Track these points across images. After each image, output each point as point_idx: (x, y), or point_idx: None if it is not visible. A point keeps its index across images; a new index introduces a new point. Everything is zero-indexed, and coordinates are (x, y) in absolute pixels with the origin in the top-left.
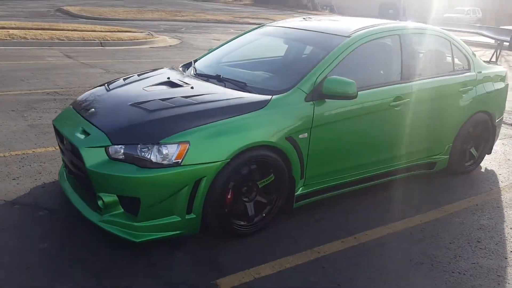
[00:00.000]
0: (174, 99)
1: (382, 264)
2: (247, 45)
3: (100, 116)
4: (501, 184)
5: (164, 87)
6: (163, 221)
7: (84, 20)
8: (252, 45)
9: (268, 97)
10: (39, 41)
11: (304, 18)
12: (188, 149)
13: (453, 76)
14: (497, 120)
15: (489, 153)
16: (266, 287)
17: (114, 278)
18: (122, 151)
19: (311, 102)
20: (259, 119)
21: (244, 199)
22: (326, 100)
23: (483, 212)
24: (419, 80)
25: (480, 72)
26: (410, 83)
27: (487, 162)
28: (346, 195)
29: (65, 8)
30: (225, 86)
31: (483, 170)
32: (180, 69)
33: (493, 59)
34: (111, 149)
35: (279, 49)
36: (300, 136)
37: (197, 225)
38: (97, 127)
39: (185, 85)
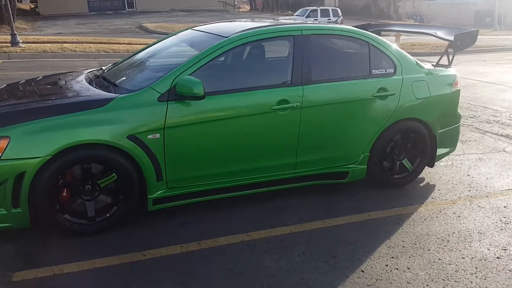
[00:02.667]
0: (29, 96)
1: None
2: (163, 49)
3: None
4: (427, 201)
5: (48, 86)
6: None
7: (158, 35)
8: (167, 48)
9: (112, 96)
10: (86, 53)
11: (237, 20)
12: (8, 144)
13: (365, 80)
14: (441, 130)
15: (431, 166)
16: (59, 284)
17: None
18: None
19: (165, 102)
20: (93, 118)
21: (84, 198)
22: (187, 100)
23: (373, 227)
24: (316, 83)
25: (410, 76)
26: (301, 87)
27: (442, 175)
28: (225, 201)
29: (145, 25)
30: (93, 86)
31: (424, 183)
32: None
33: (442, 62)
34: None
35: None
36: (150, 136)
37: (26, 219)
38: None
39: (59, 86)
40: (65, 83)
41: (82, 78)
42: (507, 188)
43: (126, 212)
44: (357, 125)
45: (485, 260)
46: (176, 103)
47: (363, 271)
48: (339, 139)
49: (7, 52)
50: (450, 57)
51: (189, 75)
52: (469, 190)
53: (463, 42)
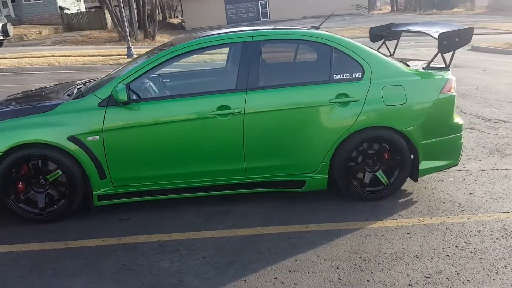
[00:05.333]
0: (8, 102)
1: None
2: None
3: None
4: (390, 217)
5: (31, 94)
6: None
7: None
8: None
9: (59, 102)
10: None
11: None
12: None
13: (321, 86)
14: (426, 141)
15: (414, 179)
16: None
17: None
18: None
19: (104, 108)
20: (39, 121)
21: (35, 190)
22: (127, 105)
23: (301, 239)
24: (262, 90)
25: (380, 81)
26: (244, 93)
27: (437, 191)
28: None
29: None
30: (67, 94)
31: (406, 198)
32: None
33: (433, 63)
34: None
35: None
36: (89, 138)
37: None
38: None
39: (39, 94)
40: (47, 92)
41: (70, 88)
42: (506, 211)
43: (72, 205)
44: (311, 132)
45: (391, 285)
46: (114, 108)
47: (245, 280)
48: (292, 146)
49: (117, 64)
50: (448, 58)
51: (130, 82)
52: (453, 210)
53: (451, 42)
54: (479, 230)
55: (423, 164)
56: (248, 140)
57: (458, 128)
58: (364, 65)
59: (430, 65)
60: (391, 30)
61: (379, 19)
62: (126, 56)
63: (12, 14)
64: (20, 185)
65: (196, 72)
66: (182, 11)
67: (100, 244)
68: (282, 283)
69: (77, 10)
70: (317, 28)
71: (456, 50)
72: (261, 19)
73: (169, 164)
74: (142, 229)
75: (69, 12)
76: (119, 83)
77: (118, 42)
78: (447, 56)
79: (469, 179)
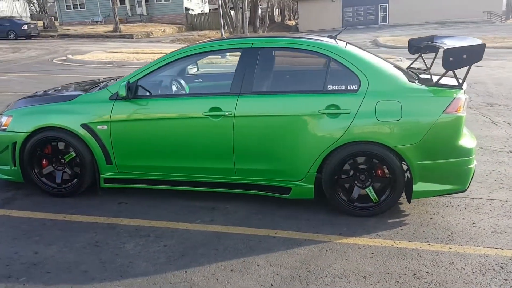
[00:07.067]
0: (47, 92)
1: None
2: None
3: None
4: (366, 236)
5: (71, 85)
6: (3, 167)
7: (385, 49)
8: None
9: (80, 93)
10: None
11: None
12: (11, 121)
13: (313, 96)
14: (424, 162)
15: (408, 201)
16: None
17: None
18: None
19: (113, 101)
20: (60, 108)
21: (55, 167)
22: (132, 100)
23: (262, 243)
24: (254, 95)
25: (375, 95)
26: (236, 97)
27: (433, 216)
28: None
29: (379, 38)
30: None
31: (396, 219)
32: None
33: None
34: None
35: None
36: (99, 127)
37: (20, 175)
38: None
39: (77, 85)
40: (84, 85)
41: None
42: (499, 247)
43: (82, 184)
44: (299, 140)
45: None
46: (120, 102)
47: (186, 272)
48: (279, 153)
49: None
50: (461, 75)
51: (137, 80)
52: (439, 238)
53: (457, 59)
54: (452, 262)
55: (419, 186)
56: (237, 142)
57: (465, 151)
58: (362, 77)
59: (440, 82)
60: (427, 43)
61: (510, 28)
62: None
63: (145, 13)
64: (44, 162)
65: (202, 75)
66: (297, 12)
67: (90, 221)
68: (217, 279)
69: (201, 11)
70: (334, 38)
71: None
72: (379, 23)
73: (165, 157)
74: (131, 212)
75: (193, 12)
76: (129, 79)
77: None
78: (462, 72)
79: (483, 209)
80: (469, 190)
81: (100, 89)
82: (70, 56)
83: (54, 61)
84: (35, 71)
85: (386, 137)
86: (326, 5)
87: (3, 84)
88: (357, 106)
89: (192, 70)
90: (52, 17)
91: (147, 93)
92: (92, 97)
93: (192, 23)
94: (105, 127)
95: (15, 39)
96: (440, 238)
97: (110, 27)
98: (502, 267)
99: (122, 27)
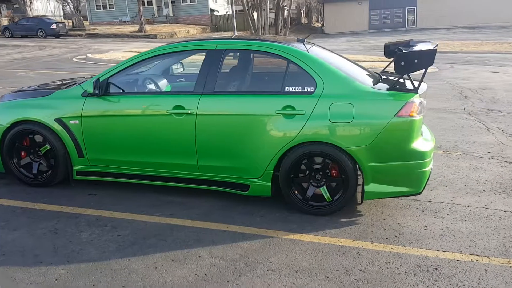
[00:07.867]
0: (33, 87)
1: None
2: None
3: None
4: (315, 233)
5: (55, 83)
6: None
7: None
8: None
9: (54, 90)
10: None
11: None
12: None
13: (270, 96)
14: (376, 163)
15: (360, 201)
16: None
17: None
18: None
19: (84, 97)
20: (37, 103)
21: (33, 159)
22: (101, 97)
23: (210, 235)
24: (215, 95)
25: (330, 97)
26: (198, 96)
27: (392, 217)
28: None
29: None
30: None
31: (351, 218)
32: None
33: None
34: None
35: None
36: (71, 121)
37: (1, 165)
38: None
39: (60, 82)
40: (67, 81)
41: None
42: (442, 250)
43: (56, 175)
44: (256, 139)
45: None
46: (91, 98)
47: (129, 260)
48: (238, 151)
49: None
50: (417, 79)
51: (109, 78)
52: (385, 239)
53: (409, 64)
54: (388, 262)
55: (372, 187)
56: (199, 140)
57: (418, 154)
58: (318, 80)
59: (396, 86)
60: (396, 47)
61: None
62: None
63: (171, 14)
64: (22, 153)
65: (185, 75)
66: (323, 15)
67: (57, 210)
68: (156, 268)
69: (226, 12)
70: (302, 41)
71: None
72: (406, 27)
73: (133, 153)
74: (98, 204)
75: (218, 14)
76: (100, 77)
77: None
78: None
79: (441, 213)
80: (434, 193)
81: (77, 85)
82: (89, 55)
83: (74, 59)
84: (52, 68)
85: (338, 138)
86: (352, 7)
87: (18, 80)
88: (312, 108)
89: (178, 70)
90: (81, 17)
91: (121, 91)
92: (66, 93)
93: (217, 24)
94: (77, 122)
95: (44, 37)
96: (386, 238)
97: (136, 27)
98: (436, 269)
99: (147, 27)
